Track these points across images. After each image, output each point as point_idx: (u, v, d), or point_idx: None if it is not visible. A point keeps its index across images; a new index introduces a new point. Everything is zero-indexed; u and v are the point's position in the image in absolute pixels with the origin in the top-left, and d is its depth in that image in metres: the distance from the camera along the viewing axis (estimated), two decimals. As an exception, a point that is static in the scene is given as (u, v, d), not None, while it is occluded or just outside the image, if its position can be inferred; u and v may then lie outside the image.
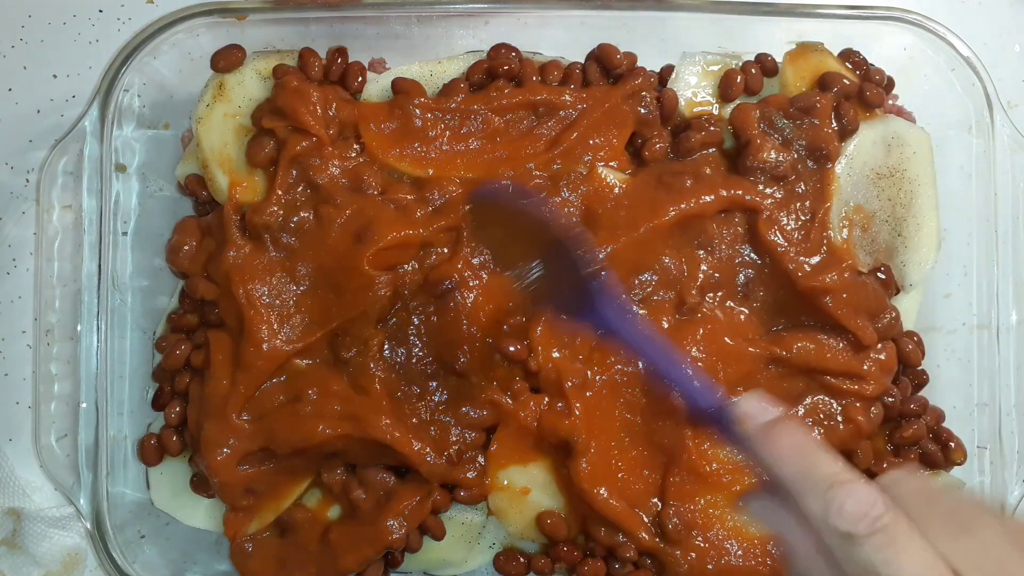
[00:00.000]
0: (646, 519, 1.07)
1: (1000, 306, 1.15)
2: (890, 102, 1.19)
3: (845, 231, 1.14)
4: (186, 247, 1.14)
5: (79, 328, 1.13)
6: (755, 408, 0.77)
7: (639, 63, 1.18)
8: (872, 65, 1.18)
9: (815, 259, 1.12)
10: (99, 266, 1.13)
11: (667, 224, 1.10)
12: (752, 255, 1.13)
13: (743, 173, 1.12)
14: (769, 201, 1.12)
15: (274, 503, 1.12)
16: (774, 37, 1.18)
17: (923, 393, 1.18)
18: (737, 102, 1.16)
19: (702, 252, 1.12)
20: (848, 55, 1.18)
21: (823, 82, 1.15)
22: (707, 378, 0.90)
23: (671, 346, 0.97)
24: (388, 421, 1.07)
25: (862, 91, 1.15)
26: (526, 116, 1.15)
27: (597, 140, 1.14)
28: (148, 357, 1.18)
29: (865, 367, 1.12)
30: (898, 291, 1.16)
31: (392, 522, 1.08)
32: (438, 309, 1.10)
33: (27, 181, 1.23)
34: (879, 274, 1.15)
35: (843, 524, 0.67)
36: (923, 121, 1.19)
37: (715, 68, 1.17)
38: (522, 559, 1.14)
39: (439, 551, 1.13)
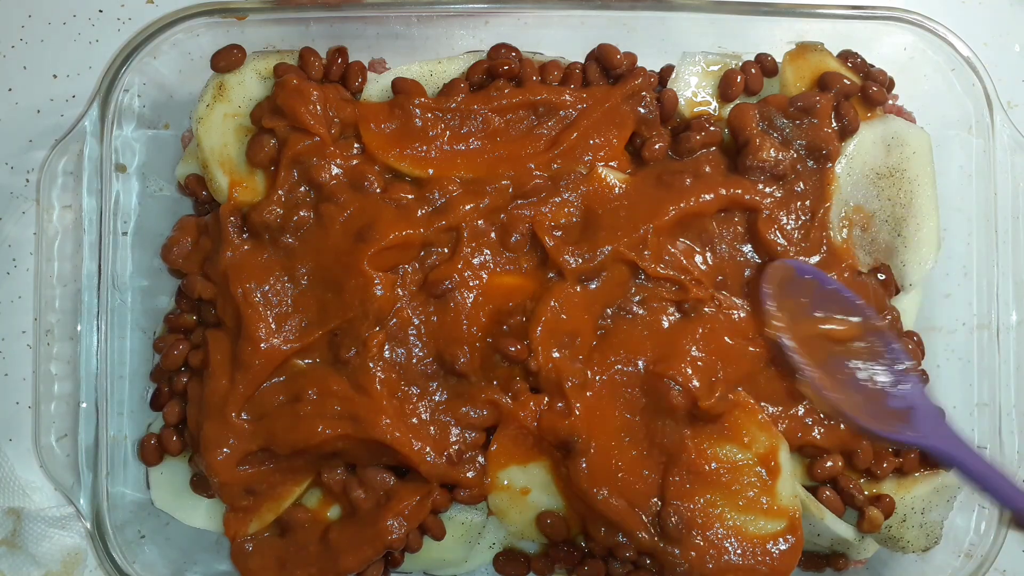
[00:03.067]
0: (646, 519, 1.07)
1: (1000, 306, 1.15)
2: (890, 102, 1.19)
3: (845, 231, 1.14)
4: (181, 244, 1.14)
5: (79, 328, 1.13)
6: None
7: (639, 63, 1.18)
8: (872, 65, 1.18)
9: (815, 259, 1.12)
10: (99, 266, 1.13)
11: (668, 223, 1.10)
12: (752, 254, 1.13)
13: (743, 172, 1.13)
14: (769, 200, 1.12)
15: (274, 503, 1.12)
16: (774, 37, 1.18)
17: (923, 393, 1.18)
18: (737, 102, 1.16)
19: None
20: (848, 55, 1.18)
21: (823, 82, 1.15)
22: None
23: (988, 460, 1.03)
24: (388, 421, 1.07)
25: (864, 88, 1.15)
26: (526, 116, 1.15)
27: (597, 140, 1.14)
28: (148, 357, 1.18)
29: (865, 367, 1.12)
30: (898, 291, 1.16)
31: (392, 522, 1.08)
32: (438, 309, 1.10)
33: (27, 181, 1.24)
34: (879, 274, 1.15)
35: None
36: (923, 121, 1.19)
37: (715, 68, 1.17)
38: (522, 559, 1.14)
39: (439, 551, 1.13)
